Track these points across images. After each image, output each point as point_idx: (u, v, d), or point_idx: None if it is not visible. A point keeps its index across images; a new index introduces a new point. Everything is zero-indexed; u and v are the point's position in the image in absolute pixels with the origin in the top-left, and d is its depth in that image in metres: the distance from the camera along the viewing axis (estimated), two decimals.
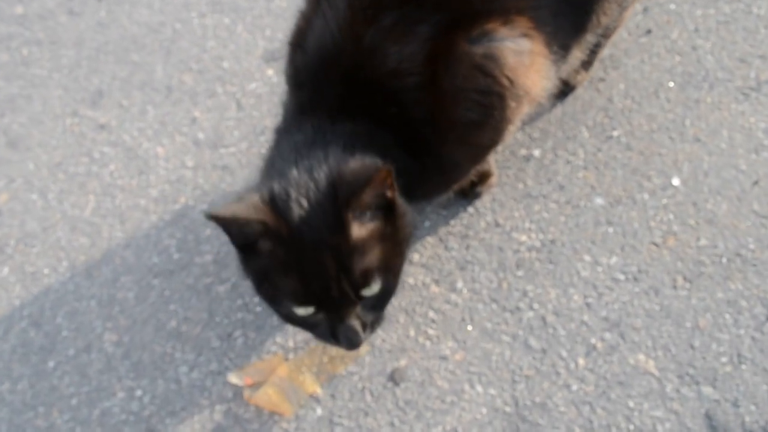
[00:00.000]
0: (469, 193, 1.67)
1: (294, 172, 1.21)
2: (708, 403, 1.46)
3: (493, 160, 1.68)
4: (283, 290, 1.20)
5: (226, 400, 1.56)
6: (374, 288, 1.22)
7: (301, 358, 1.56)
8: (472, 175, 1.52)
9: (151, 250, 1.76)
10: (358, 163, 1.19)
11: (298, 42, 1.35)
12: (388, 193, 1.19)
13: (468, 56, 1.22)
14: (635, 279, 1.59)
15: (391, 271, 1.25)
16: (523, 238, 1.66)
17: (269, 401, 1.51)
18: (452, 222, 1.69)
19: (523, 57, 1.26)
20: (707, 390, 1.48)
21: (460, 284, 1.62)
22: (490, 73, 1.23)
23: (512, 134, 1.50)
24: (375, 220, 1.19)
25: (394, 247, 1.25)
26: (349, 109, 1.28)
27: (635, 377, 1.50)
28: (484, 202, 1.70)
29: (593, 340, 1.54)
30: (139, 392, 1.60)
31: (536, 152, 1.75)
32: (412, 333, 1.58)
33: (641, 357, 1.52)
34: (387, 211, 1.21)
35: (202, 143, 1.89)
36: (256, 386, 1.53)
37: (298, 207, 1.17)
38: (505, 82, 1.25)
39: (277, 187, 1.20)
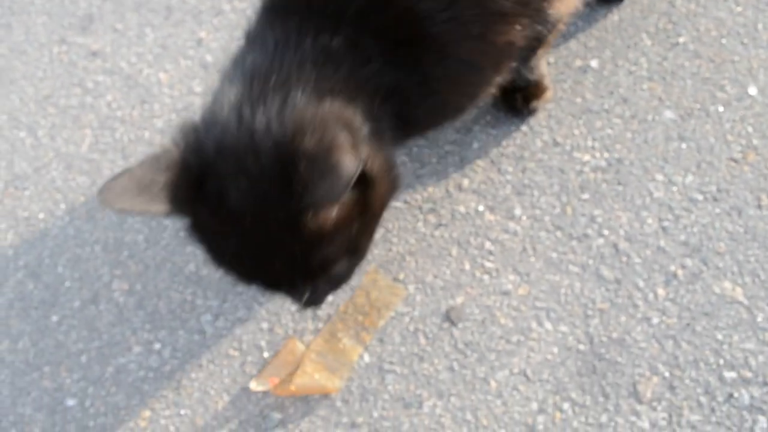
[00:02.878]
0: (523, 109, 1.47)
1: (233, 132, 0.94)
2: None
3: (547, 71, 1.49)
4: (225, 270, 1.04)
5: (259, 350, 1.37)
6: (335, 271, 1.02)
7: (333, 324, 1.36)
8: (494, 88, 1.28)
9: None
10: (320, 130, 0.90)
11: None
12: (365, 164, 0.95)
13: None
14: (715, 199, 1.41)
15: (359, 249, 1.06)
16: (586, 157, 1.47)
17: (312, 384, 1.29)
18: (504, 142, 1.49)
19: None
20: None
21: (518, 211, 1.43)
22: None
23: (556, 35, 1.30)
24: (343, 200, 0.96)
25: (368, 223, 1.04)
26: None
27: (722, 307, 1.33)
28: (539, 119, 1.51)
29: (673, 268, 1.36)
30: (157, 345, 1.41)
31: (594, 63, 1.56)
32: (467, 267, 1.40)
33: (727, 284, 1.34)
34: (362, 182, 0.97)
35: (211, 66, 1.67)
36: (287, 380, 1.32)
37: (235, 189, 0.94)
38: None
39: (206, 154, 0.95)
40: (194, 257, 1.46)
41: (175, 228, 1.50)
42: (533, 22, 1.13)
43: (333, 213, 0.95)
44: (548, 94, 1.47)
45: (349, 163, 0.86)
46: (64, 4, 1.83)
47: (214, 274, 1.43)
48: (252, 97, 0.95)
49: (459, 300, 1.37)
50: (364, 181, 0.98)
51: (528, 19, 1.11)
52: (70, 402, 1.38)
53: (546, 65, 1.48)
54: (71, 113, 1.67)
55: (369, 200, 1.02)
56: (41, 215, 1.57)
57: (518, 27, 1.11)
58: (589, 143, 1.48)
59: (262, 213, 0.94)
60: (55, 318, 1.46)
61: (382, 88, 1.04)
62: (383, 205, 1.08)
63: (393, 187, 1.08)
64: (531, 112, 1.48)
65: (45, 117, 1.67)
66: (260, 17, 1.11)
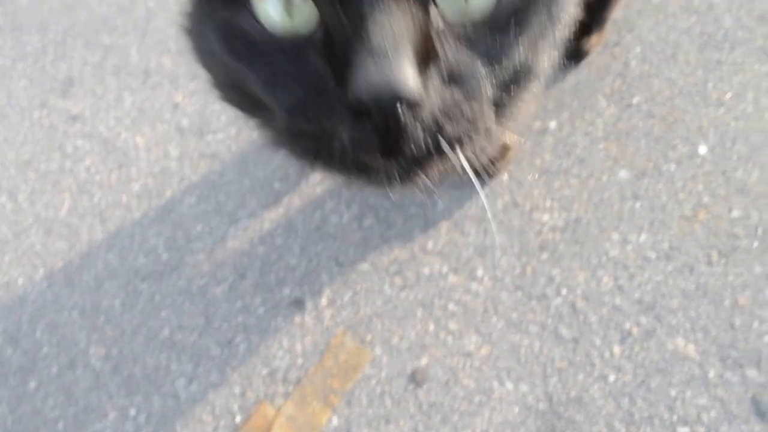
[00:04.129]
0: (488, 171, 1.53)
1: None
2: (754, 387, 1.35)
3: (511, 131, 1.54)
4: None
5: (232, 414, 1.41)
6: None
7: (303, 388, 1.42)
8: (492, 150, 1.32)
9: (137, 250, 1.60)
10: None
11: None
12: None
13: None
14: (667, 257, 1.47)
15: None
16: (545, 217, 1.53)
17: None
18: (467, 204, 1.55)
19: None
20: (752, 373, 1.37)
21: (480, 272, 1.49)
22: None
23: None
24: None
25: None
26: None
27: (675, 363, 1.38)
28: (499, 181, 1.56)
29: (628, 325, 1.42)
30: (132, 411, 1.45)
31: (552, 124, 1.62)
32: (431, 328, 1.45)
33: (680, 341, 1.40)
34: None
35: (187, 130, 1.73)
36: None
37: None
38: None
39: None
40: (168, 322, 1.51)
41: (150, 292, 1.55)
42: None
43: None
44: (512, 153, 1.53)
45: None
46: (45, 68, 1.88)
47: (189, 339, 1.48)
48: None
49: (423, 361, 1.42)
50: None
51: None
52: None
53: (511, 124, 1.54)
54: (51, 177, 1.72)
55: None
56: (20, 280, 1.61)
57: None
58: (548, 203, 1.54)
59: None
60: (32, 384, 1.50)
61: None
62: None
63: None
64: (495, 173, 1.53)
65: (25, 181, 1.73)
66: None
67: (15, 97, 1.85)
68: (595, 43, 1.63)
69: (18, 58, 1.91)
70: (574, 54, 1.64)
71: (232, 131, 1.70)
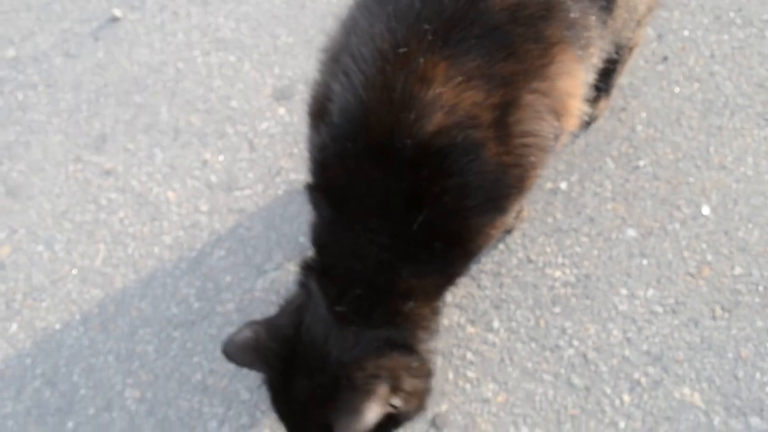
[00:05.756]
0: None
1: (317, 346, 1.20)
2: None
3: None
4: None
5: None
6: None
7: None
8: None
9: (169, 300, 1.69)
10: (371, 374, 1.15)
11: (318, 112, 1.18)
12: (397, 406, 1.18)
13: (533, 101, 1.12)
14: (673, 311, 1.56)
15: None
16: (557, 273, 1.62)
17: None
18: (483, 260, 1.64)
19: (577, 92, 1.20)
20: (755, 421, 1.45)
21: (496, 324, 1.58)
22: (556, 118, 1.16)
23: None
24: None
25: None
26: (391, 208, 1.13)
27: (682, 411, 1.46)
28: (514, 238, 1.66)
29: (637, 375, 1.50)
30: None
31: (563, 185, 1.72)
32: (450, 376, 1.54)
33: (686, 390, 1.48)
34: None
35: (216, 186, 1.83)
36: None
37: (299, 383, 1.19)
38: (565, 122, 1.19)
39: (296, 351, 1.21)
40: (200, 368, 1.59)
41: (182, 339, 1.63)
42: None
43: None
44: (525, 212, 1.63)
45: (371, 414, 1.09)
46: (79, 124, 1.99)
47: (220, 383, 1.56)
48: (337, 328, 1.19)
49: (444, 407, 1.50)
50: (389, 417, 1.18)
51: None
52: None
53: None
54: (86, 228, 1.81)
55: (387, 427, 1.22)
56: (57, 326, 1.69)
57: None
58: (560, 260, 1.63)
59: (308, 408, 1.19)
60: (70, 424, 1.58)
61: (442, 282, 1.26)
62: (398, 427, 1.25)
63: (418, 411, 1.26)
64: (509, 231, 1.63)
65: (61, 232, 1.82)
66: (320, 236, 1.26)
67: (51, 152, 1.95)
68: (603, 107, 1.75)
69: (53, 114, 2.02)
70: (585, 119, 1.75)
71: (259, 188, 1.80)
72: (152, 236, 1.78)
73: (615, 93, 1.76)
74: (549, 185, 1.72)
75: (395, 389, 1.16)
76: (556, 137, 1.19)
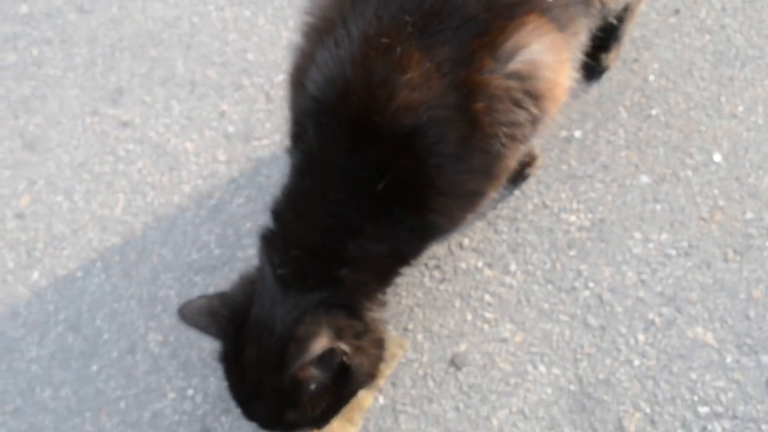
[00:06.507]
0: (517, 177, 1.66)
1: (264, 314, 1.24)
2: None
3: (537, 144, 1.68)
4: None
5: None
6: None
7: None
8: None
9: (190, 246, 1.71)
10: (312, 329, 1.17)
11: (299, 79, 1.23)
12: (343, 359, 1.21)
13: (499, 83, 1.14)
14: (686, 254, 1.60)
15: (323, 421, 1.29)
16: (572, 218, 1.65)
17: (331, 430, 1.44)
18: (499, 205, 1.68)
19: (554, 69, 1.20)
20: (765, 358, 1.49)
21: (513, 267, 1.61)
22: (533, 102, 1.18)
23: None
24: (322, 386, 1.22)
25: (343, 398, 1.28)
26: (345, 185, 1.19)
27: (695, 350, 1.50)
28: (529, 184, 1.69)
29: (651, 316, 1.54)
30: (190, 391, 1.56)
31: (577, 133, 1.75)
32: (469, 317, 1.57)
33: (699, 330, 1.52)
34: (341, 375, 1.23)
35: (233, 137, 1.85)
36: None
37: (250, 350, 1.23)
38: (545, 105, 1.21)
39: (245, 317, 1.26)
40: None
41: (204, 284, 1.66)
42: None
43: (307, 385, 1.19)
44: (539, 161, 1.66)
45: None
46: (95, 78, 2.00)
47: None
48: (278, 296, 1.23)
49: (462, 347, 1.54)
50: (343, 373, 1.23)
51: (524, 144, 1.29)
52: None
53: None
54: (105, 179, 1.83)
55: (342, 388, 1.26)
56: (79, 273, 1.72)
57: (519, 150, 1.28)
58: (575, 205, 1.66)
59: (259, 374, 1.23)
60: (94, 367, 1.61)
61: (390, 259, 1.28)
62: (353, 394, 1.30)
63: (370, 373, 1.30)
64: (525, 178, 1.66)
65: (80, 182, 1.84)
66: (289, 188, 1.30)
67: (67, 105, 1.97)
68: (613, 57, 1.77)
69: (68, 69, 2.03)
70: (595, 69, 1.77)
71: (276, 137, 1.83)
72: (171, 185, 1.80)
73: (626, 44, 1.79)
74: (563, 133, 1.75)
75: (339, 337, 1.20)
76: (534, 122, 1.21)
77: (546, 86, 1.19)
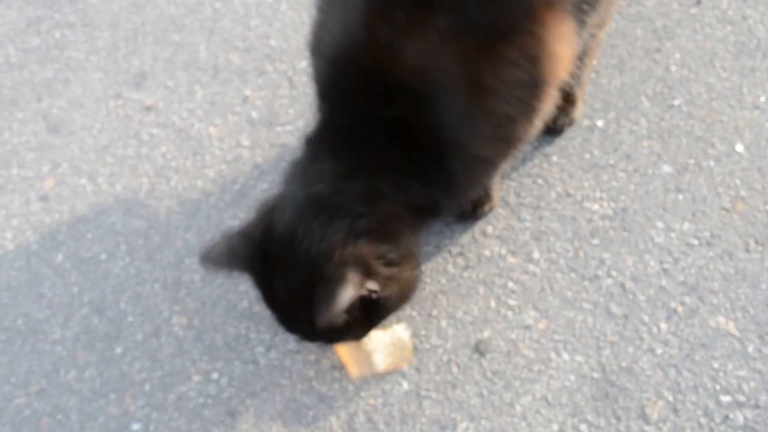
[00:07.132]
0: (468, 214, 1.65)
1: (288, 244, 1.25)
2: None
3: (495, 184, 1.64)
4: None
5: (308, 379, 1.54)
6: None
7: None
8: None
9: (214, 231, 1.73)
10: (340, 265, 1.19)
11: (317, 46, 1.31)
12: (376, 291, 1.24)
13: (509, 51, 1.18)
14: (708, 243, 1.61)
15: (360, 335, 1.37)
16: (595, 207, 1.66)
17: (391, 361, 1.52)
18: (522, 194, 1.68)
19: (561, 43, 1.23)
20: None
21: (536, 254, 1.62)
22: (533, 66, 1.20)
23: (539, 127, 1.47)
24: (352, 316, 1.25)
25: (369, 323, 1.33)
26: (368, 137, 1.25)
27: (717, 339, 1.52)
28: (552, 173, 1.70)
29: (673, 305, 1.55)
30: (215, 375, 1.57)
31: (599, 123, 1.76)
32: (492, 304, 1.58)
33: (721, 319, 1.53)
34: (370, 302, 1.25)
35: (257, 122, 1.86)
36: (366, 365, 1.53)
37: (279, 280, 1.27)
38: (546, 73, 1.23)
39: (270, 249, 1.27)
40: (247, 295, 1.63)
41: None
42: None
43: (338, 323, 1.23)
44: (495, 201, 1.66)
45: (344, 299, 1.15)
46: (118, 62, 2.01)
47: (266, 311, 1.60)
48: (305, 221, 1.24)
49: (486, 333, 1.55)
50: (372, 301, 1.25)
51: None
52: (135, 426, 1.54)
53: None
54: (128, 163, 1.84)
55: (374, 313, 1.30)
56: (103, 256, 1.73)
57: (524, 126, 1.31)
58: (598, 194, 1.67)
59: (293, 303, 1.28)
60: (119, 350, 1.62)
61: (417, 204, 1.31)
62: (387, 314, 1.34)
63: (403, 299, 1.34)
64: (477, 217, 1.67)
65: (104, 165, 1.85)
66: (315, 138, 1.35)
67: (90, 88, 1.98)
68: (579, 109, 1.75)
69: (91, 52, 2.04)
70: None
71: (299, 123, 1.84)
72: (195, 170, 1.81)
73: (648, 35, 1.79)
74: (586, 122, 1.76)
75: (368, 274, 1.21)
76: (534, 86, 1.23)
77: (546, 53, 1.22)
